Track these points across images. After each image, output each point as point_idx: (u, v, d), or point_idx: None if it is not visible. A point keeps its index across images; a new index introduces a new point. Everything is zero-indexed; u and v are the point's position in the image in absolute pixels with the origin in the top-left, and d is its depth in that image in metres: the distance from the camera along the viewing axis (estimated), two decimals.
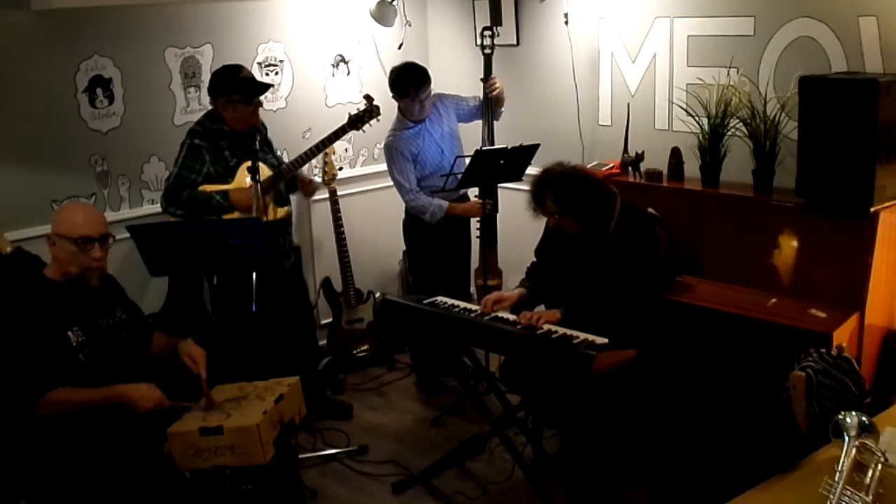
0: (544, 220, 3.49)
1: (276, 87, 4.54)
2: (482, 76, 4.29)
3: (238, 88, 3.64)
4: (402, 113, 4.18)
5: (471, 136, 4.48)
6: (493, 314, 3.29)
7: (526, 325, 3.13)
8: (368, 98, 3.82)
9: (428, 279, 4.25)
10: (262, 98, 3.77)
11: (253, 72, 4.38)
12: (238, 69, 3.72)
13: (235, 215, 3.65)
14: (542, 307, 3.45)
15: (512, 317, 3.25)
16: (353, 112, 3.85)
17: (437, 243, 4.27)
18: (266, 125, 3.95)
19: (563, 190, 3.28)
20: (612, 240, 3.29)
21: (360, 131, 3.97)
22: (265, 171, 3.63)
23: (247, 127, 3.68)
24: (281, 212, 3.78)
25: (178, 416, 2.65)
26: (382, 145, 4.34)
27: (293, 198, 4.13)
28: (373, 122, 3.90)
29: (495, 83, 4.24)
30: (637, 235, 3.30)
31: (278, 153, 4.05)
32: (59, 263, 2.72)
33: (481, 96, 4.31)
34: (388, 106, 4.23)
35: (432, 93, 4.15)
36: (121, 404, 2.61)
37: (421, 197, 4.14)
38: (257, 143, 3.69)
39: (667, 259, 3.46)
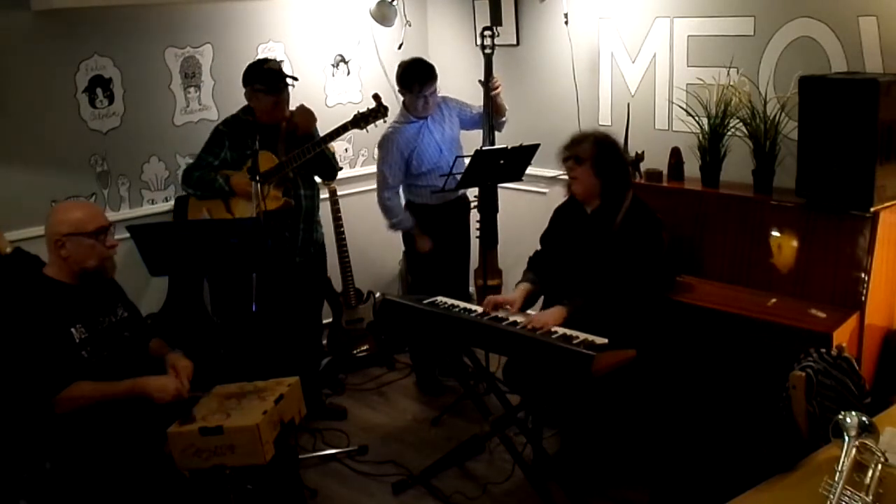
0: (548, 211, 3.48)
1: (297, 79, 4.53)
2: (481, 78, 4.29)
3: (259, 78, 3.71)
4: (406, 108, 4.18)
5: (471, 136, 4.48)
6: (494, 314, 3.29)
7: (511, 322, 3.13)
8: (377, 98, 3.82)
9: (427, 279, 4.25)
10: (289, 91, 3.80)
11: None
12: (265, 61, 3.82)
13: (240, 202, 3.69)
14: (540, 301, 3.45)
15: (513, 316, 3.25)
16: (361, 110, 3.84)
17: (436, 243, 4.27)
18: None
19: (603, 144, 3.33)
20: (618, 230, 3.29)
21: (364, 130, 3.97)
22: (271, 161, 3.66)
23: (272, 119, 3.73)
24: (278, 202, 3.75)
25: (172, 420, 2.63)
26: (381, 136, 4.33)
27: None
28: (378, 122, 3.90)
29: (497, 83, 4.24)
30: (644, 229, 3.30)
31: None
32: (71, 262, 2.72)
33: (475, 108, 4.31)
34: (393, 103, 4.23)
35: (437, 92, 4.14)
36: (135, 399, 2.64)
37: (395, 199, 4.15)
38: (257, 143, 3.70)
39: (667, 259, 3.46)
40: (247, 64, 3.82)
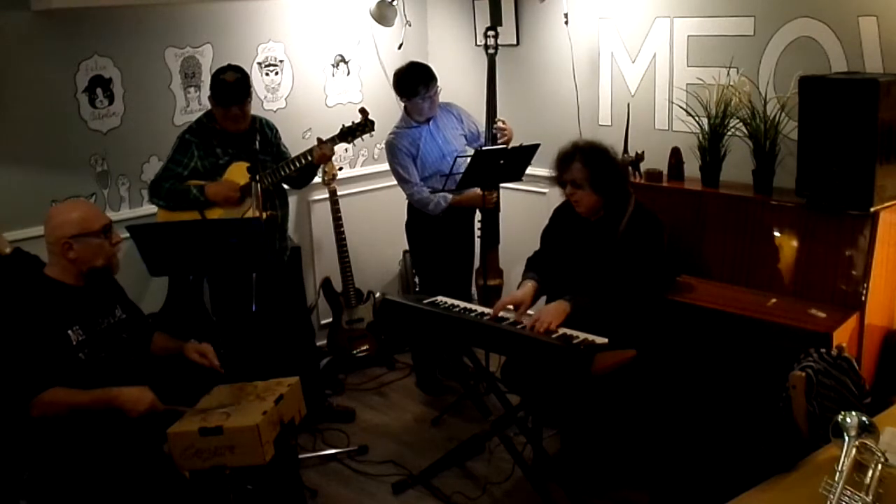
0: (548, 211, 3.46)
1: (276, 87, 4.54)
2: (489, 115, 4.31)
3: (212, 88, 3.65)
4: (409, 113, 4.18)
5: None
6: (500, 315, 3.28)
7: (519, 323, 3.13)
8: (364, 112, 3.79)
9: (432, 279, 4.24)
10: (248, 106, 3.68)
11: (253, 72, 4.40)
12: (224, 70, 3.67)
13: (219, 212, 3.65)
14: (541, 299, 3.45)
15: (513, 316, 3.25)
16: (347, 124, 3.82)
17: (440, 242, 4.27)
18: (275, 128, 3.93)
19: (593, 159, 3.27)
20: (621, 238, 3.28)
21: (352, 144, 3.94)
22: (245, 176, 3.61)
23: (231, 129, 3.66)
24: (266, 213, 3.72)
25: (173, 420, 2.64)
26: (384, 143, 4.33)
27: (291, 200, 4.10)
28: (364, 136, 3.88)
29: (505, 129, 4.22)
30: (647, 235, 3.29)
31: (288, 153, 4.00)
32: (80, 263, 2.71)
33: (482, 128, 4.34)
34: (385, 109, 4.23)
35: (440, 91, 4.14)
36: (114, 408, 2.59)
37: (424, 190, 4.14)
38: (256, 143, 3.69)
39: (667, 260, 3.46)
40: (247, 64, 3.81)
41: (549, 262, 3.51)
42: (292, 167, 3.70)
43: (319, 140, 3.73)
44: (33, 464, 2.65)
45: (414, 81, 4.06)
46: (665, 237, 3.37)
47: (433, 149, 4.17)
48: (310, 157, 3.70)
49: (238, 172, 3.65)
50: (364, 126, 3.75)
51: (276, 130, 3.94)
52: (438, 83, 4.11)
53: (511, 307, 3.30)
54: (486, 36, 4.41)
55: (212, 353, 2.87)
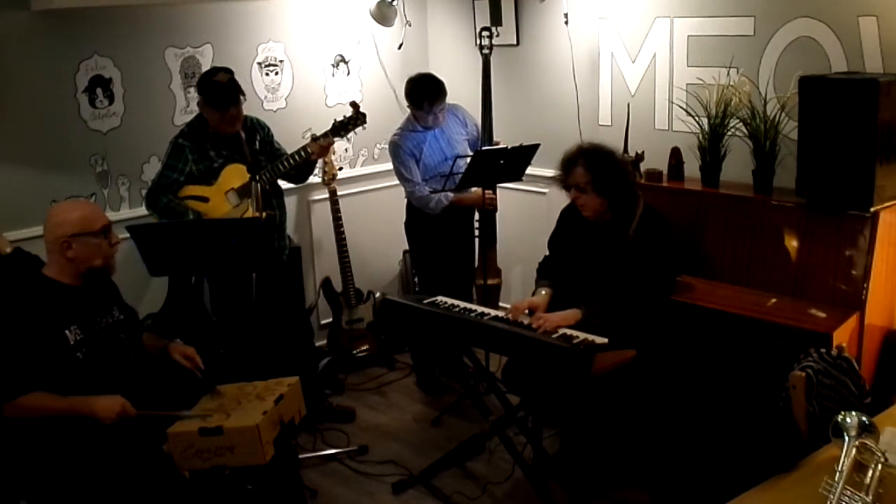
0: (548, 211, 3.45)
1: (276, 87, 4.54)
2: (485, 115, 4.31)
3: (204, 91, 3.62)
4: (415, 118, 4.18)
5: None
6: (495, 314, 3.28)
7: (526, 325, 3.12)
8: (354, 105, 3.77)
9: (433, 278, 4.25)
10: (241, 105, 3.65)
11: (253, 72, 4.40)
12: (214, 72, 3.64)
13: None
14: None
15: (528, 320, 3.23)
16: (339, 118, 3.79)
17: (440, 242, 4.27)
18: (267, 126, 3.93)
19: (597, 163, 3.24)
20: (632, 241, 3.27)
21: (345, 139, 3.92)
22: (242, 173, 3.61)
23: (223, 131, 3.63)
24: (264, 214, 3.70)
25: (148, 426, 2.63)
26: (387, 142, 4.32)
27: (291, 200, 4.10)
28: (358, 129, 3.87)
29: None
30: (657, 240, 3.27)
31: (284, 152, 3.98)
32: (78, 263, 2.71)
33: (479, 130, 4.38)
34: (385, 109, 4.22)
35: (446, 108, 4.15)
36: (86, 416, 2.57)
37: (424, 189, 4.14)
38: (256, 143, 3.68)
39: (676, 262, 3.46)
40: (247, 64, 3.79)
41: (559, 266, 3.50)
42: (288, 163, 3.69)
43: (314, 136, 3.72)
44: (33, 464, 2.65)
45: (421, 95, 4.06)
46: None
47: (436, 151, 4.18)
48: (304, 154, 3.68)
49: (234, 174, 3.65)
50: (356, 120, 3.74)
51: (268, 128, 3.92)
52: (446, 100, 4.11)
53: (527, 311, 3.28)
54: (481, 36, 4.41)
55: (196, 357, 2.85)
